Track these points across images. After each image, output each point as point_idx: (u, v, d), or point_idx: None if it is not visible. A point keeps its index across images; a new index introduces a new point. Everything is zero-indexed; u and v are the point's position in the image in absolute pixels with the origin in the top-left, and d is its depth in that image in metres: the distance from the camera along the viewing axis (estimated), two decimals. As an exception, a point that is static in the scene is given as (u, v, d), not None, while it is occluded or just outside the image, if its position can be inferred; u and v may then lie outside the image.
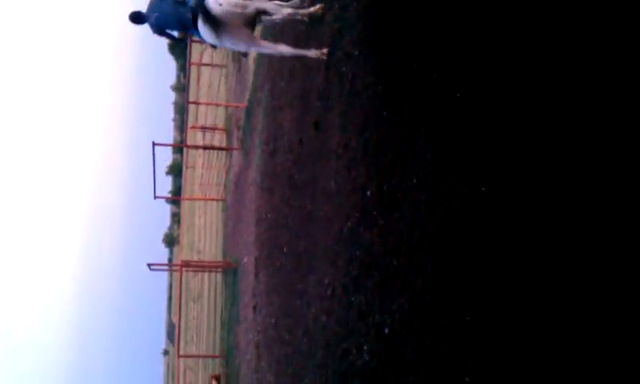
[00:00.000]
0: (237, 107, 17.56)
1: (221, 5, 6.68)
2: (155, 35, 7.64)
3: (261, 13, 7.11)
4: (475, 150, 3.76)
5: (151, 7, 7.37)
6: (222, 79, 22.72)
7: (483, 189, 3.57)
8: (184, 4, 7.06)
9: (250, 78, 15.73)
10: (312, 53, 7.34)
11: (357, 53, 6.17)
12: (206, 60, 24.54)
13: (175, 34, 7.78)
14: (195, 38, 7.67)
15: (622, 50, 2.75)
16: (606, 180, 2.76)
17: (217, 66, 23.63)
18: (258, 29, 8.27)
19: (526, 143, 3.32)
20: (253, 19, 7.10)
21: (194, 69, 23.02)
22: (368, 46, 5.87)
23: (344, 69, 6.57)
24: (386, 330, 4.84)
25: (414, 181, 4.52)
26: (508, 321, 3.27)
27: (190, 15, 6.85)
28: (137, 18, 7.61)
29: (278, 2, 7.28)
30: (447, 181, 4.03)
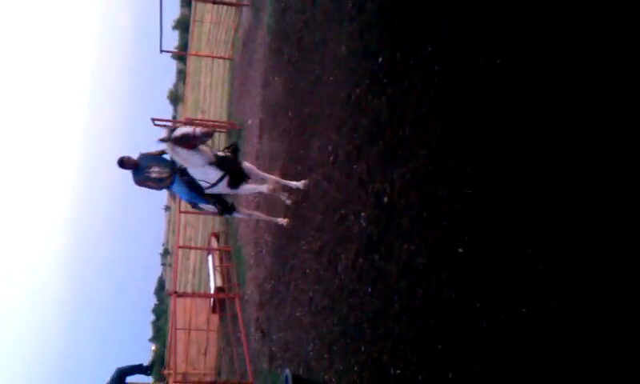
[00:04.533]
0: (249, -39, 16.64)
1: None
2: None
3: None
4: (495, 19, 3.57)
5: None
6: None
7: (499, 61, 3.42)
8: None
9: None
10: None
11: None
12: None
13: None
14: None
15: None
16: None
17: None
18: None
19: (547, 19, 3.14)
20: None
21: None
22: None
23: None
24: (385, 199, 4.89)
25: (429, 49, 4.34)
26: (507, 196, 3.27)
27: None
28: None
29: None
30: (463, 50, 3.86)
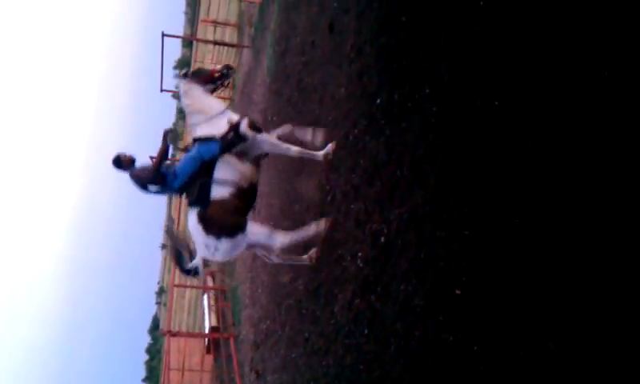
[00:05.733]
0: (251, 2, 17.00)
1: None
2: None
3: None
4: (493, 62, 3.62)
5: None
6: (238, -27, 21.84)
7: (496, 103, 3.46)
8: None
9: (267, -27, 15.13)
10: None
11: (380, -48, 5.85)
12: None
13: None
14: None
15: None
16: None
17: (233, -42, 22.64)
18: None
19: (545, 59, 3.18)
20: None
21: (209, -41, 22.08)
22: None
23: (365, -31, 6.25)
24: (382, 239, 4.87)
25: (427, 91, 4.39)
26: (505, 238, 3.26)
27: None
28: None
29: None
30: (460, 92, 3.91)
